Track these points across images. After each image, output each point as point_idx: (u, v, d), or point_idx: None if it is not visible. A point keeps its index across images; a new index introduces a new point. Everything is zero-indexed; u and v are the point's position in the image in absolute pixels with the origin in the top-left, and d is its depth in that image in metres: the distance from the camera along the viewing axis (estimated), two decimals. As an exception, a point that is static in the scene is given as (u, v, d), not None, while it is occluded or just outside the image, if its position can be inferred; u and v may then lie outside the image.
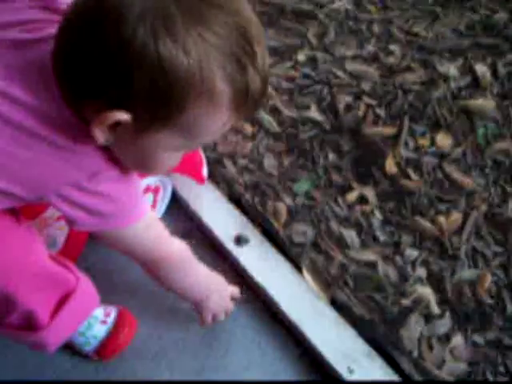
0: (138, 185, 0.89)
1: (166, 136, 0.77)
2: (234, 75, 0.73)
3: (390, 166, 1.38)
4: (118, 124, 0.74)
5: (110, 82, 0.72)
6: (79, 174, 0.79)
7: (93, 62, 0.71)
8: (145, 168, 0.87)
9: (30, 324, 0.97)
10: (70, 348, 1.09)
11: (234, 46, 0.72)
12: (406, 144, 1.42)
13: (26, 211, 0.92)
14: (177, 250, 0.99)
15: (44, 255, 0.96)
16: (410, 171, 1.37)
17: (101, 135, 0.76)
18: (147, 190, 1.18)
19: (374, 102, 1.50)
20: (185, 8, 0.70)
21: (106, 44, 0.70)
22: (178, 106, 0.73)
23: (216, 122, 0.78)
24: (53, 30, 0.78)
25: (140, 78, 0.70)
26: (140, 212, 0.89)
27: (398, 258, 1.23)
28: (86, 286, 1.01)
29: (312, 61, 1.58)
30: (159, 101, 0.72)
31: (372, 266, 1.22)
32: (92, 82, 0.72)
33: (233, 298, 1.12)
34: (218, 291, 1.08)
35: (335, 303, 1.15)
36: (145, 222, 0.90)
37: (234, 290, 1.12)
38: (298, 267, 1.19)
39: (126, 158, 0.83)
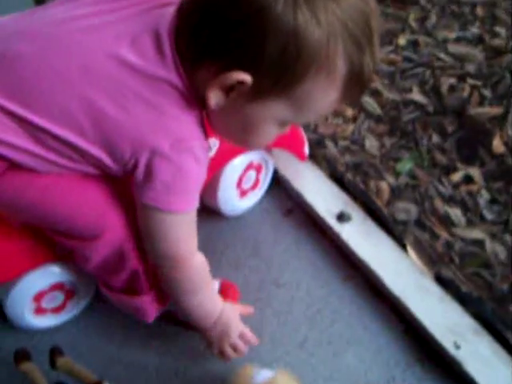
0: (204, 177, 0.86)
1: (277, 106, 0.78)
2: (353, 56, 0.75)
3: (498, 145, 1.34)
4: (233, 88, 0.76)
5: (240, 43, 0.73)
6: (165, 139, 0.80)
7: (227, 23, 0.73)
8: (245, 139, 0.88)
9: (132, 288, 0.99)
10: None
11: (358, 29, 0.74)
12: (515, 124, 1.38)
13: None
14: (199, 258, 0.94)
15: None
16: (520, 151, 1.33)
17: (214, 97, 0.78)
18: (250, 167, 1.19)
19: (479, 83, 1.46)
20: None
21: (244, 7, 0.72)
22: (299, 76, 0.75)
23: (326, 99, 0.79)
24: None
25: (273, 41, 0.72)
26: (193, 203, 0.87)
27: (507, 237, 1.19)
28: None
29: (413, 44, 1.56)
30: (284, 67, 0.74)
31: (479, 244, 1.19)
32: (220, 41, 0.74)
33: (245, 340, 1.02)
34: (225, 325, 0.99)
35: (440, 280, 1.12)
36: (191, 216, 0.88)
37: (245, 331, 1.02)
38: (401, 244, 1.17)
39: (228, 126, 0.85)
